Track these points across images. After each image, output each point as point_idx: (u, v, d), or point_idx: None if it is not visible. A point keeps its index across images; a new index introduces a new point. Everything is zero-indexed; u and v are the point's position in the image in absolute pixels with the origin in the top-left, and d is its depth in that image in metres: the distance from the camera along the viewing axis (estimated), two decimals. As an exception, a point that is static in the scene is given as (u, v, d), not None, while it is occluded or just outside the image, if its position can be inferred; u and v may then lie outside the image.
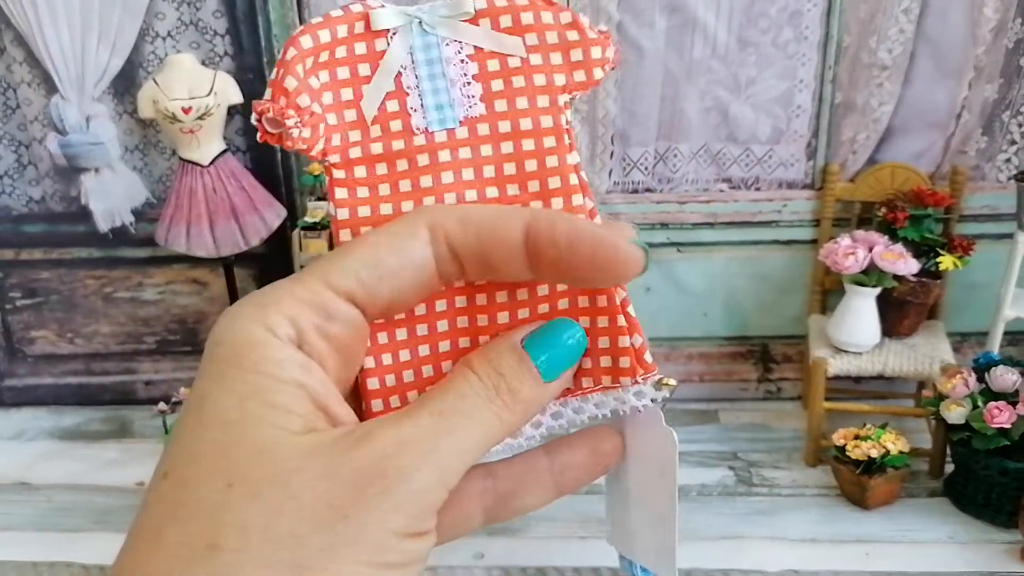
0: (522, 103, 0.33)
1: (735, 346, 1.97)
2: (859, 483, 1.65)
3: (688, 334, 1.96)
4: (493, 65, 0.33)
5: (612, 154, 1.84)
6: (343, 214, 0.33)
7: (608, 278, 0.30)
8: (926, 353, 1.74)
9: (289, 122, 0.31)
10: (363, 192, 0.33)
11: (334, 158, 0.33)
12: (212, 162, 1.76)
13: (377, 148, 0.33)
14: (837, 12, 1.71)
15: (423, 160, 0.33)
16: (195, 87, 1.72)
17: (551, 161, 0.33)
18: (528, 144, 0.32)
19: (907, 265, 1.67)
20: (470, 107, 0.33)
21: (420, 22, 0.33)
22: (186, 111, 1.71)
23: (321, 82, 0.32)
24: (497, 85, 0.33)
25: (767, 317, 1.94)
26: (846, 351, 1.74)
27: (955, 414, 1.62)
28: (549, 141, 0.33)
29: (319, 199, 1.86)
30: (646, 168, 1.85)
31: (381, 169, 0.33)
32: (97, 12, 1.77)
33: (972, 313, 1.89)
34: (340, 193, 0.33)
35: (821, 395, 1.74)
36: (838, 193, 1.81)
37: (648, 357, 0.34)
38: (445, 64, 0.33)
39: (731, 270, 1.90)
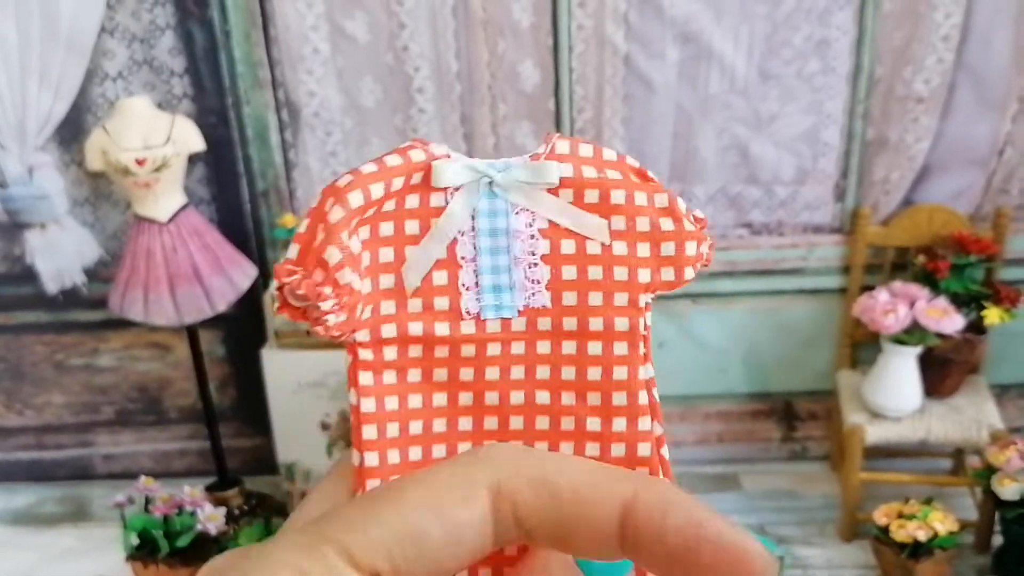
0: (596, 299, 0.28)
1: (756, 403, 1.80)
2: (905, 567, 1.48)
3: (705, 391, 1.78)
4: (568, 247, 0.28)
5: (619, 199, 1.66)
6: (368, 405, 0.27)
7: None
8: (971, 416, 1.58)
9: (324, 305, 0.25)
10: (390, 377, 0.27)
11: (362, 335, 0.27)
12: (172, 218, 1.56)
13: (416, 328, 0.27)
14: (868, 41, 1.54)
15: (468, 351, 0.27)
16: (150, 135, 1.52)
17: (619, 372, 0.28)
18: (595, 348, 0.28)
19: (952, 322, 1.50)
20: (533, 294, 0.28)
21: (491, 182, 0.28)
22: (140, 163, 1.51)
23: (361, 240, 0.27)
24: (569, 272, 0.28)
25: (791, 372, 1.77)
26: (884, 416, 1.58)
27: (1009, 490, 1.46)
28: (620, 348, 0.28)
29: (294, 254, 1.67)
30: (657, 213, 1.67)
31: (415, 351, 0.27)
32: (37, 52, 1.56)
33: (1015, 364, 1.73)
34: (364, 378, 0.27)
35: (858, 466, 1.57)
36: (869, 238, 1.64)
37: None
38: (511, 237, 0.28)
39: (752, 322, 1.73)
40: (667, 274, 0.29)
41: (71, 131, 1.61)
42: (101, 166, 1.54)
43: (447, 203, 0.27)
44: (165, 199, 1.56)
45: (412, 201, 0.27)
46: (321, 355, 1.62)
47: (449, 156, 0.28)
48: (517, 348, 0.28)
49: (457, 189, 0.27)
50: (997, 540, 1.58)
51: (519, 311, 0.28)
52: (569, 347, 0.28)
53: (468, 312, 0.27)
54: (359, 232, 0.26)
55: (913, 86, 1.56)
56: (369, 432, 0.27)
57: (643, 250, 0.28)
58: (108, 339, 1.77)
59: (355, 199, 0.26)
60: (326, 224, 0.26)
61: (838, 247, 1.67)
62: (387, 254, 0.27)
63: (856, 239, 1.64)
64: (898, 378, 1.55)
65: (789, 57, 1.55)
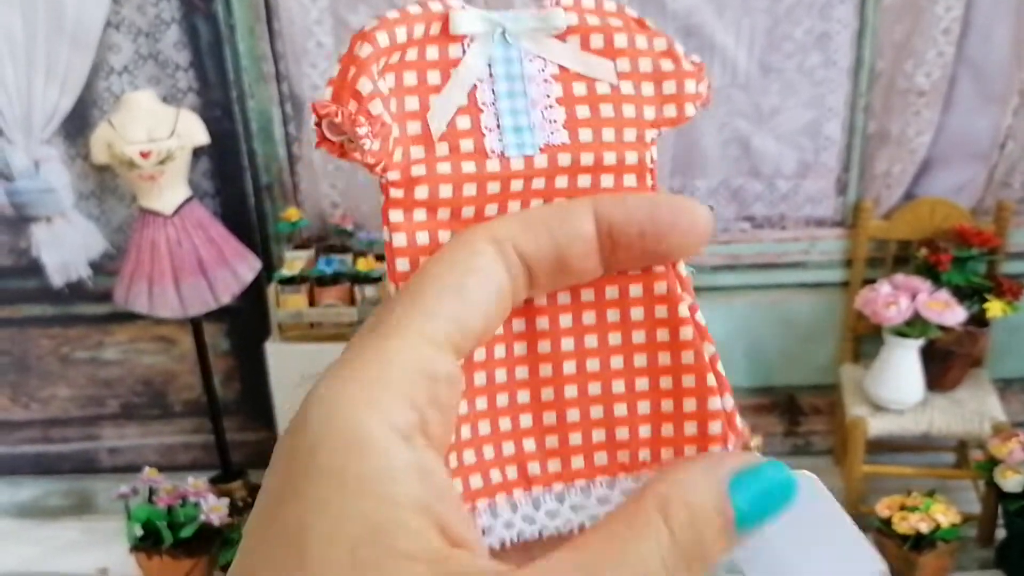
0: (608, 135, 0.29)
1: (759, 397, 1.80)
2: (907, 559, 1.48)
3: (707, 386, 1.78)
4: (579, 89, 0.30)
5: (622, 192, 1.66)
6: (399, 240, 0.28)
7: (692, 242, 0.28)
8: (974, 409, 1.58)
9: (360, 130, 0.27)
10: (420, 215, 0.29)
11: (393, 175, 0.28)
12: (176, 211, 1.57)
13: (444, 168, 0.29)
14: (869, 34, 1.54)
15: (493, 187, 0.29)
16: (154, 128, 1.53)
17: None
18: (607, 180, 0.29)
19: (954, 314, 1.50)
20: (552, 133, 0.29)
21: (503, 31, 0.30)
22: (144, 155, 1.52)
23: (388, 87, 0.28)
24: (583, 112, 0.29)
25: (793, 366, 1.77)
26: (887, 409, 1.58)
27: (1012, 482, 1.46)
28: (630, 180, 0.30)
29: (296, 248, 1.68)
30: (659, 207, 1.68)
31: (445, 191, 0.29)
32: (43, 46, 1.58)
33: (1018, 359, 1.73)
34: (395, 216, 0.29)
35: (860, 458, 1.58)
36: (871, 231, 1.64)
37: (739, 420, 0.29)
38: (527, 82, 0.29)
39: (754, 316, 1.73)
40: (669, 111, 0.30)
41: (77, 125, 1.63)
42: (106, 159, 1.56)
43: (464, 53, 0.29)
44: (170, 192, 1.57)
45: (432, 53, 0.29)
46: (325, 348, 1.63)
47: (464, 8, 0.29)
48: (538, 183, 0.29)
49: (473, 39, 0.29)
50: (1000, 534, 1.58)
51: (540, 148, 0.29)
52: (584, 180, 0.29)
53: (492, 151, 0.29)
54: (386, 78, 0.28)
55: (914, 79, 1.57)
56: (402, 264, 0.28)
57: (647, 89, 0.30)
58: (113, 332, 1.78)
59: (382, 39, 0.27)
60: (357, 61, 0.27)
61: (840, 241, 1.67)
62: (412, 103, 0.28)
63: (858, 232, 1.64)
64: (900, 371, 1.55)
65: (790, 51, 1.56)
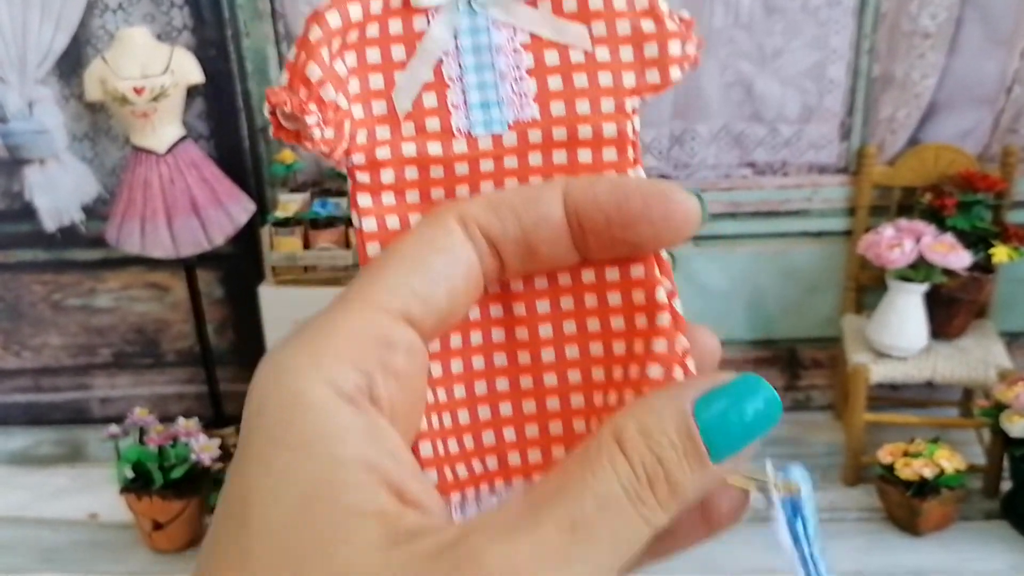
0: (583, 107, 0.28)
1: (759, 350, 1.77)
2: (910, 506, 1.45)
3: (707, 338, 1.76)
4: (552, 58, 0.28)
5: (621, 137, 1.64)
6: (369, 224, 0.28)
7: (666, 234, 0.26)
8: (979, 357, 1.55)
9: (310, 120, 0.26)
10: (389, 199, 0.28)
11: (358, 158, 0.27)
12: (169, 150, 1.55)
13: (409, 149, 0.28)
14: (875, -27, 1.52)
15: (461, 169, 0.28)
16: (148, 64, 1.51)
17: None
18: (584, 155, 0.28)
19: (959, 258, 1.47)
20: (522, 108, 0.28)
21: (469, 0, 0.28)
22: (138, 91, 1.50)
23: (348, 67, 0.27)
24: (555, 83, 0.28)
25: (795, 318, 1.74)
26: (889, 356, 1.55)
27: (1019, 427, 1.43)
28: (610, 154, 0.28)
29: (292, 191, 1.66)
30: (660, 152, 1.65)
31: (411, 173, 0.28)
32: (37, -19, 1.56)
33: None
34: (363, 200, 0.28)
35: (862, 406, 1.55)
36: (876, 178, 1.61)
37: (691, 364, 0.27)
38: (495, 53, 0.28)
39: (755, 265, 1.71)
40: (652, 76, 0.28)
41: (71, 64, 1.61)
42: (100, 96, 1.54)
43: (428, 26, 0.28)
44: (163, 130, 1.55)
45: (395, 27, 0.28)
46: (319, 292, 1.61)
47: None
48: (510, 162, 0.28)
49: (437, 10, 0.28)
50: (1006, 486, 1.55)
51: (509, 125, 0.28)
52: (560, 157, 0.28)
53: (459, 130, 0.28)
54: (345, 58, 0.27)
55: (920, 21, 1.54)
56: (373, 249, 0.28)
57: (626, 54, 0.28)
58: (106, 279, 1.76)
59: (333, 19, 0.26)
60: (307, 46, 0.26)
61: (844, 188, 1.65)
62: (376, 81, 0.28)
63: (862, 179, 1.61)
64: (904, 316, 1.52)
65: (794, -10, 1.53)
